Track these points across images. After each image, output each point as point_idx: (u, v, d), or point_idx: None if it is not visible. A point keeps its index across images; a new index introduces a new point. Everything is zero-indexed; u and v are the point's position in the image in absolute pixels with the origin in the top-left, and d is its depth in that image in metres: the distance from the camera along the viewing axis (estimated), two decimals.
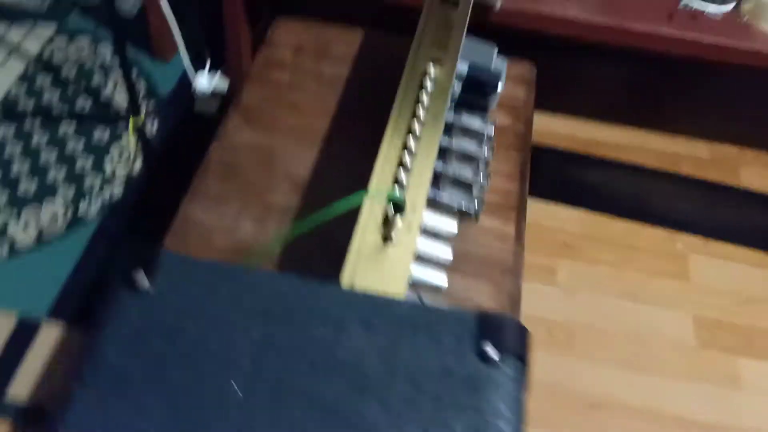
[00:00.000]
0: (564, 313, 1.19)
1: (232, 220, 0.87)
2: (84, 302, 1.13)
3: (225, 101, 1.45)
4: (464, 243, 0.85)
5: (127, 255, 0.40)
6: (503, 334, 0.37)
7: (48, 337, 1.08)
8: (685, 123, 1.49)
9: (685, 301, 1.22)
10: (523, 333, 0.38)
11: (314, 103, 1.02)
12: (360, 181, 0.92)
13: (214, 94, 1.44)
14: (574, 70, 1.52)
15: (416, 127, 0.76)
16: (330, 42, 1.11)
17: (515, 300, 0.84)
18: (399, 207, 0.63)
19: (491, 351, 0.36)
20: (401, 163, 0.73)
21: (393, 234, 0.66)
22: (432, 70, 0.83)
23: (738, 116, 1.50)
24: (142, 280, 0.38)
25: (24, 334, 1.07)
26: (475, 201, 0.79)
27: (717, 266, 1.27)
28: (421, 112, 0.78)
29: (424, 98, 0.79)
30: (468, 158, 0.84)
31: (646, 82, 1.57)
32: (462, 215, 0.81)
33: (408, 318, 0.38)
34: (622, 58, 1.51)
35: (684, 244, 1.30)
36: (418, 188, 0.71)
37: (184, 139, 1.39)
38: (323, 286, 0.40)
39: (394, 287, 0.64)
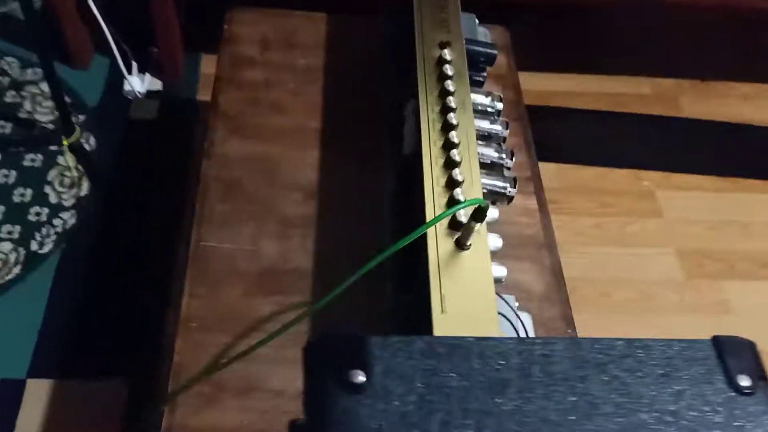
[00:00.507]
0: None
1: (250, 241, 0.80)
2: (66, 351, 1.02)
3: (163, 103, 1.33)
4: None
5: (329, 351, 0.35)
6: (746, 359, 0.36)
7: (36, 397, 0.97)
8: (625, 63, 1.53)
9: (664, 237, 1.27)
10: (756, 351, 0.37)
11: (297, 100, 0.95)
12: (373, 175, 0.88)
13: (149, 97, 1.32)
14: (513, 27, 1.51)
15: (453, 120, 0.72)
16: (295, 31, 1.03)
17: (558, 274, 0.84)
18: (482, 213, 0.60)
19: (745, 380, 0.35)
20: (451, 162, 0.69)
21: (470, 241, 0.63)
22: (446, 55, 0.79)
23: (671, 50, 1.56)
24: (359, 377, 0.34)
25: (8, 397, 0.95)
26: (511, 181, 0.77)
27: (683, 198, 1.33)
28: (452, 103, 0.74)
29: (450, 87, 0.75)
30: (487, 138, 0.81)
31: (582, 30, 1.58)
32: (494, 198, 0.79)
33: (646, 360, 0.35)
34: (556, 9, 1.51)
35: (649, 182, 1.34)
36: (472, 184, 0.68)
37: (129, 150, 1.27)
38: (548, 343, 0.36)
39: (485, 294, 0.61)
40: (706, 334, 1.22)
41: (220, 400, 0.68)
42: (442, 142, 0.72)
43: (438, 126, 0.73)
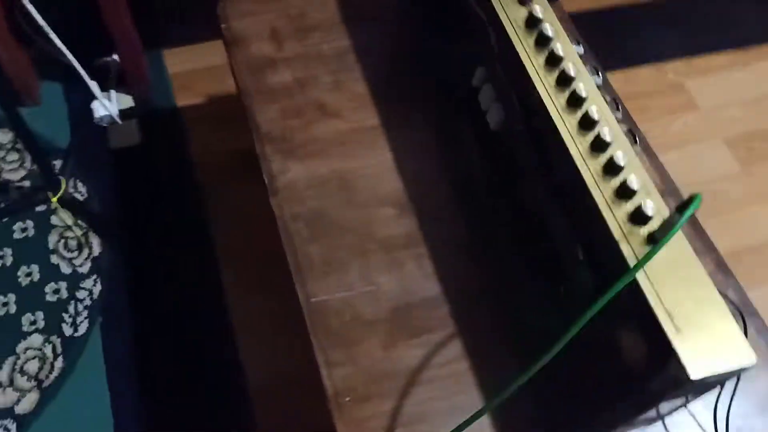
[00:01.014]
0: None
1: (363, 281, 0.69)
2: None
3: (142, 122, 1.15)
4: None
5: None
6: None
7: None
8: None
9: (707, 129, 1.21)
10: None
11: (342, 96, 0.81)
12: (458, 161, 0.76)
13: (124, 118, 1.14)
14: None
15: (582, 92, 0.62)
16: (303, 13, 0.87)
17: (695, 223, 0.76)
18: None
19: None
20: (600, 143, 0.59)
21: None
22: (537, 12, 0.67)
23: None
24: None
25: None
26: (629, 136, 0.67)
27: (711, 82, 1.27)
28: (570, 71, 0.63)
29: (559, 52, 0.64)
30: None
31: None
32: None
33: None
34: None
35: (673, 72, 1.28)
36: (632, 164, 0.59)
37: (125, 186, 1.10)
38: None
39: (708, 293, 0.53)
40: None
41: None
42: (577, 121, 0.61)
43: (563, 101, 0.63)
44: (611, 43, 1.33)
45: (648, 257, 0.51)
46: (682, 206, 0.52)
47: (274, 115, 0.79)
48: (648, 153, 0.81)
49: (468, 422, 0.54)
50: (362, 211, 0.74)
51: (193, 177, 1.11)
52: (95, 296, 0.98)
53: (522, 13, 0.68)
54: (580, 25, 1.34)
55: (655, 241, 0.55)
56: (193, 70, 1.21)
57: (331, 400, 0.63)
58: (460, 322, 0.68)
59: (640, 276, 0.53)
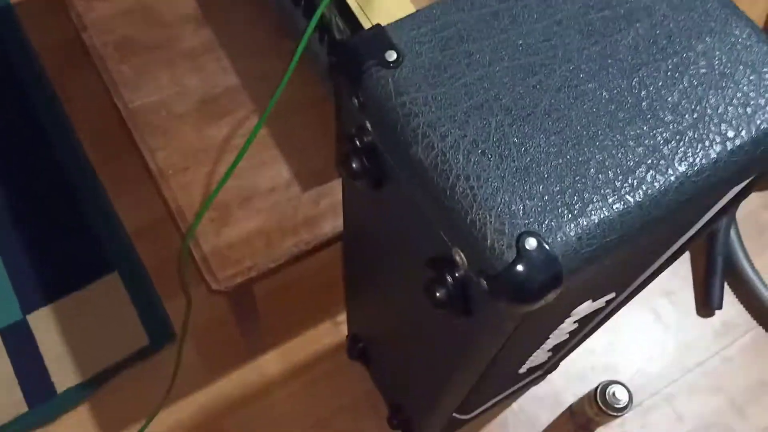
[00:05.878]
0: None
1: (172, 85, 0.82)
2: (43, 277, 1.02)
3: None
4: None
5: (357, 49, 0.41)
6: None
7: (44, 326, 0.99)
8: None
9: None
10: None
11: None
12: None
13: None
14: None
15: None
16: None
17: None
18: None
19: None
20: None
21: None
22: None
23: None
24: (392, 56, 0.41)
25: (21, 339, 0.97)
26: None
27: None
28: None
29: None
30: None
31: None
32: None
33: None
34: None
35: None
36: None
37: None
38: None
39: None
40: None
41: (230, 216, 0.75)
42: None
43: None
44: None
45: None
46: None
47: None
48: None
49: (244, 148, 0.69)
50: (166, 30, 0.85)
51: (38, 64, 1.20)
52: None
53: None
54: None
55: None
56: None
57: (156, 176, 0.77)
58: (257, 102, 0.82)
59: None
